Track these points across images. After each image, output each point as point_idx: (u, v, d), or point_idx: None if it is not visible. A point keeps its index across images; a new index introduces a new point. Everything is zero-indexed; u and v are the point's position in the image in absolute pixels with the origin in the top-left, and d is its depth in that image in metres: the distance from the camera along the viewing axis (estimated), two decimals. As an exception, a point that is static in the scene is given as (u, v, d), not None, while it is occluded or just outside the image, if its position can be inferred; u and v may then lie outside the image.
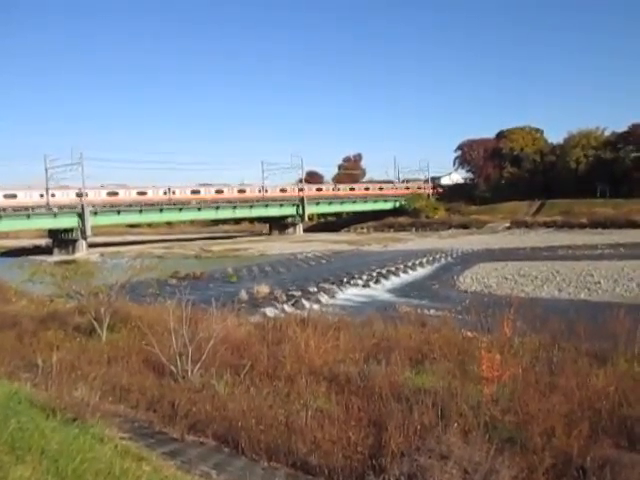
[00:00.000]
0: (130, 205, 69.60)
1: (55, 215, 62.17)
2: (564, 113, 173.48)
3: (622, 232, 59.82)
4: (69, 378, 9.09)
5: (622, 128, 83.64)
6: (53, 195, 62.95)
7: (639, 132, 78.16)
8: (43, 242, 69.33)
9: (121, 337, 13.26)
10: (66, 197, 63.77)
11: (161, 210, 72.35)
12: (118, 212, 68.97)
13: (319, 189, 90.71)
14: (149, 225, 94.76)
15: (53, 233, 66.08)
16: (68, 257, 54.36)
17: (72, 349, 11.96)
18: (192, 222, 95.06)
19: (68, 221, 62.88)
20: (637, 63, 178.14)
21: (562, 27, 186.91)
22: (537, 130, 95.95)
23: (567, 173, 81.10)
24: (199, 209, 76.04)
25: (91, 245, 64.61)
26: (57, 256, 57.28)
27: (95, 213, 65.16)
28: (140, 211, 70.66)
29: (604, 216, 68.94)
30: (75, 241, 62.94)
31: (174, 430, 7.75)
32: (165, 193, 73.00)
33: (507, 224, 76.02)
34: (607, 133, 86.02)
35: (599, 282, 28.88)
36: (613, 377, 8.59)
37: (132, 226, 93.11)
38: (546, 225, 72.51)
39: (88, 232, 63.13)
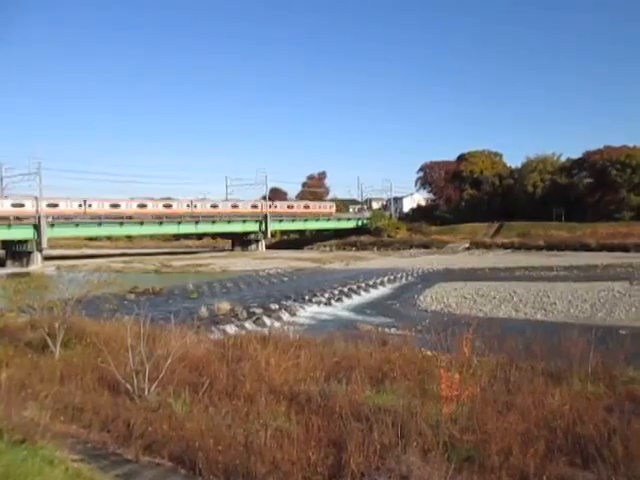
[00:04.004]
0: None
1: (9, 226, 59.97)
2: (523, 138, 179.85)
3: (576, 254, 62.11)
4: (18, 397, 8.72)
5: (577, 155, 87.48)
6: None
7: (592, 159, 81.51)
8: (-5, 254, 66.89)
9: (75, 354, 12.81)
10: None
11: (121, 223, 70.89)
12: (76, 224, 67.17)
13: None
14: (109, 238, 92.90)
15: (6, 244, 63.69)
16: (22, 269, 52.62)
17: (23, 366, 11.47)
18: (151, 237, 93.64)
19: (23, 232, 60.67)
20: (591, 90, 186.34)
21: (523, 50, 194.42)
22: (496, 154, 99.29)
23: (525, 196, 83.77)
24: (160, 223, 74.85)
25: (47, 258, 62.56)
26: (10, 268, 55.35)
27: (52, 225, 63.30)
28: (99, 224, 69.06)
29: (559, 239, 71.38)
30: (30, 253, 60.68)
31: (129, 451, 7.50)
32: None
33: (467, 245, 77.63)
34: (563, 159, 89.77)
35: (554, 303, 29.60)
36: (568, 396, 8.76)
37: (91, 239, 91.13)
38: (504, 246, 74.47)
39: (44, 244, 61.00)
